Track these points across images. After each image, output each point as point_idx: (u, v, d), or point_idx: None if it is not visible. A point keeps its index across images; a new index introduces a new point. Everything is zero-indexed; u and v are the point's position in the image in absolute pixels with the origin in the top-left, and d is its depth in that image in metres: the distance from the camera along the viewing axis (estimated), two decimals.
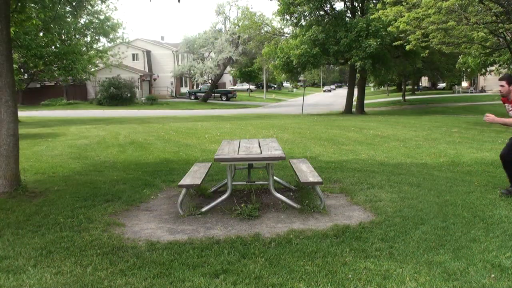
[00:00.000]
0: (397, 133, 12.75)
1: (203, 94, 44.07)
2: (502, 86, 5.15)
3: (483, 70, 23.43)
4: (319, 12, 25.07)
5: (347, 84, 29.36)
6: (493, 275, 3.15)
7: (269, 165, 5.06)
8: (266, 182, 5.35)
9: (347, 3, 26.42)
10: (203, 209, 4.93)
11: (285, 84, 73.36)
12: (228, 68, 49.07)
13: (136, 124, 18.36)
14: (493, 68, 22.44)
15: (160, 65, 48.86)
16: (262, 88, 60.14)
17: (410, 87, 54.11)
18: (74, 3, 10.22)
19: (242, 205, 4.89)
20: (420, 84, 60.20)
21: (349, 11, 26.36)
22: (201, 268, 3.40)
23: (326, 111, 30.07)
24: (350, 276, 3.19)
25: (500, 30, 14.33)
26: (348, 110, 27.25)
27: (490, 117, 5.05)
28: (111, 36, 26.77)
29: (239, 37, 39.06)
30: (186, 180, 5.06)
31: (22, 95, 38.99)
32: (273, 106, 40.65)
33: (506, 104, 5.33)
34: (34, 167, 7.88)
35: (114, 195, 5.72)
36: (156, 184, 6.39)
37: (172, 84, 49.29)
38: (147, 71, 47.99)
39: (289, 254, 3.62)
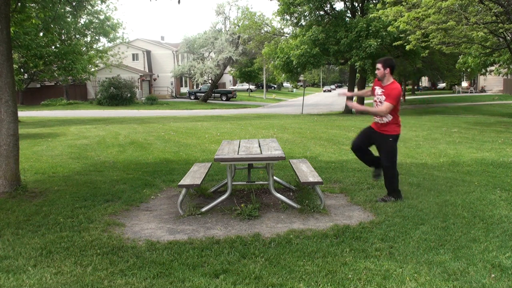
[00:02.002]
0: None
1: (203, 94, 44.07)
2: (378, 69, 4.94)
3: (483, 70, 23.39)
4: (319, 12, 25.08)
5: (347, 84, 29.34)
6: (493, 275, 3.15)
7: (269, 165, 5.06)
8: (266, 182, 5.35)
9: (347, 3, 26.42)
10: (203, 209, 4.93)
11: (285, 84, 73.35)
12: (228, 68, 49.07)
13: (136, 124, 18.36)
14: (493, 68, 22.43)
15: (160, 65, 48.87)
16: (262, 88, 60.14)
17: (410, 87, 54.13)
18: (74, 3, 10.23)
19: (242, 205, 4.89)
20: (420, 84, 60.21)
21: (349, 11, 26.37)
22: (201, 268, 3.40)
23: (326, 111, 30.07)
24: (350, 276, 3.19)
25: (500, 30, 14.32)
26: (348, 110, 27.25)
27: (353, 104, 4.97)
28: (111, 36, 26.79)
29: (239, 37, 39.06)
30: (186, 180, 5.06)
31: (22, 95, 39.03)
32: (273, 106, 40.66)
33: (376, 87, 5.07)
34: (34, 167, 7.88)
35: (114, 195, 5.72)
36: (156, 184, 6.39)
37: (172, 84, 49.29)
38: (147, 71, 48.00)
39: (289, 254, 3.62)
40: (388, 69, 4.90)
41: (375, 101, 5.10)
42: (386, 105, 4.84)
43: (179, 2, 7.26)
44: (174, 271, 3.33)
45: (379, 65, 4.94)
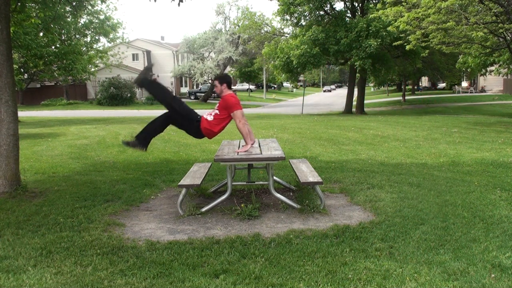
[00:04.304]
0: (397, 133, 12.74)
1: (203, 94, 44.09)
2: (215, 86, 5.09)
3: (483, 70, 23.41)
4: (319, 12, 25.06)
5: (347, 84, 29.34)
6: (493, 275, 3.15)
7: (269, 165, 5.06)
8: (266, 182, 5.35)
9: (347, 3, 26.41)
10: (203, 209, 4.93)
11: (285, 84, 73.33)
12: (228, 68, 49.05)
13: (136, 124, 18.35)
14: (493, 68, 22.43)
15: (160, 65, 48.88)
16: (262, 88, 60.14)
17: (410, 87, 54.11)
18: (74, 3, 10.23)
19: (242, 205, 4.89)
20: (420, 84, 60.19)
21: (349, 11, 26.36)
22: (201, 268, 3.40)
23: (326, 111, 30.06)
24: (350, 276, 3.19)
25: (500, 30, 14.32)
26: (348, 110, 27.25)
27: (242, 150, 4.98)
28: (111, 36, 26.80)
29: (239, 37, 39.05)
30: (186, 180, 5.06)
31: (22, 95, 39.04)
32: (273, 106, 40.62)
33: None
34: (34, 167, 7.88)
35: (114, 195, 5.72)
36: (156, 184, 6.39)
37: (172, 84, 49.28)
38: None
39: (289, 254, 3.62)
40: (224, 85, 5.07)
41: (210, 114, 5.05)
42: (236, 115, 4.88)
43: (179, 4, 7.25)
44: (174, 271, 3.33)
45: (215, 82, 5.13)
